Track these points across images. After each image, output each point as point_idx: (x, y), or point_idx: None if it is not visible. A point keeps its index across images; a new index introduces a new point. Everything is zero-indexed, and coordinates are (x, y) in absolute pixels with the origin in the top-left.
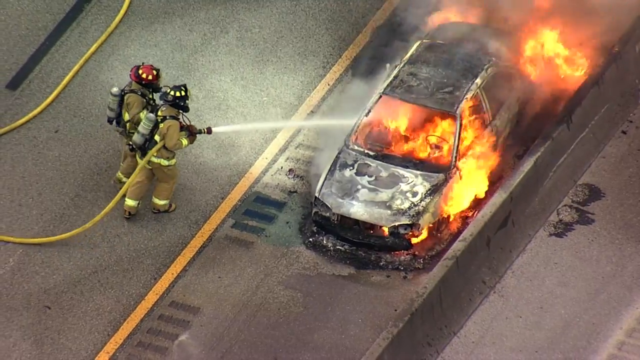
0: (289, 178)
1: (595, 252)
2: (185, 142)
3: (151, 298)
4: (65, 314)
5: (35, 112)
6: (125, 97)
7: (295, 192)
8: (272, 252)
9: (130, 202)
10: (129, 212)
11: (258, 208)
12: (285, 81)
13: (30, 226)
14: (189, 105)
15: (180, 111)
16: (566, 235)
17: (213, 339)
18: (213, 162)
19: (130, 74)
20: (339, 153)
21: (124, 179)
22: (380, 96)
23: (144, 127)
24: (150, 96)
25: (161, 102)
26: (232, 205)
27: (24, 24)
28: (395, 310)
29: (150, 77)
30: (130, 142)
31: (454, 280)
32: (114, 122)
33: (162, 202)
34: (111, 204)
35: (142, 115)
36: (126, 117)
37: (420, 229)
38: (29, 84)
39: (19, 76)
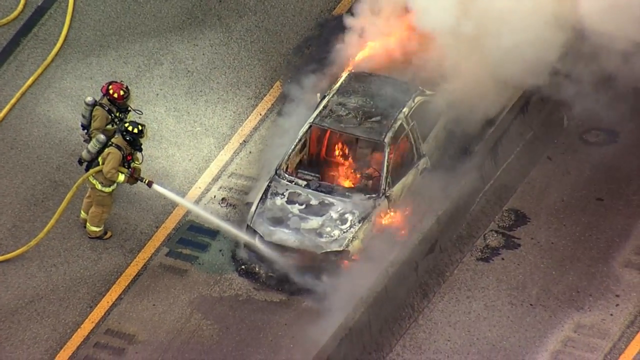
0: (222, 207)
1: (521, 276)
2: (122, 177)
3: (87, 326)
4: (3, 342)
5: None
6: (94, 109)
7: (228, 220)
8: (205, 279)
9: (84, 215)
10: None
11: (192, 236)
12: (218, 111)
13: None
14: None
15: (132, 147)
16: (493, 260)
17: None
18: (148, 192)
19: (101, 88)
20: (270, 182)
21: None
22: (310, 126)
23: (92, 146)
24: (117, 113)
25: (117, 129)
26: (166, 234)
27: None
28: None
29: (115, 95)
30: (80, 156)
31: (383, 305)
32: (86, 130)
33: (93, 229)
34: (51, 222)
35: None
36: (92, 127)
37: (350, 255)
38: None
39: None
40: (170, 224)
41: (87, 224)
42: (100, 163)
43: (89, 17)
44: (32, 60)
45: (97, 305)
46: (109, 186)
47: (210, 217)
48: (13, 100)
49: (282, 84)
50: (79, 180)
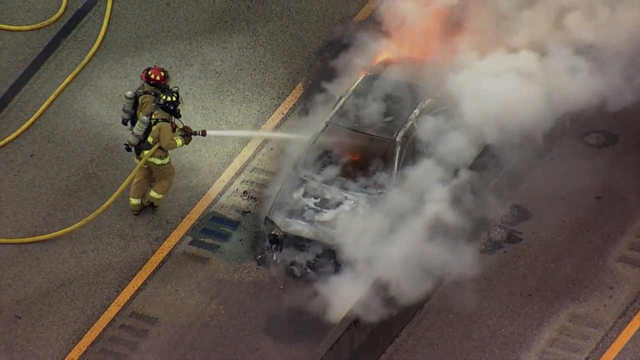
0: (243, 199)
1: (521, 268)
2: (179, 141)
3: (113, 309)
4: (35, 323)
5: (11, 137)
6: (140, 99)
7: (249, 212)
8: (225, 267)
9: (134, 201)
10: (135, 211)
11: (214, 227)
12: (243, 110)
13: None
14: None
15: (174, 116)
16: (495, 253)
17: (169, 346)
18: (174, 185)
19: (141, 76)
20: (288, 176)
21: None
22: (327, 125)
23: (138, 129)
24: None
25: (154, 106)
26: (190, 224)
27: (5, 57)
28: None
29: (158, 78)
30: (126, 142)
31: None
32: (129, 123)
33: (158, 196)
34: (109, 201)
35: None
36: (141, 115)
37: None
38: (8, 112)
39: None
40: (194, 215)
41: (152, 192)
42: (151, 142)
43: (125, 20)
44: (71, 59)
45: (123, 289)
46: (167, 157)
47: (275, 134)
48: (52, 97)
49: (304, 85)
50: (140, 163)
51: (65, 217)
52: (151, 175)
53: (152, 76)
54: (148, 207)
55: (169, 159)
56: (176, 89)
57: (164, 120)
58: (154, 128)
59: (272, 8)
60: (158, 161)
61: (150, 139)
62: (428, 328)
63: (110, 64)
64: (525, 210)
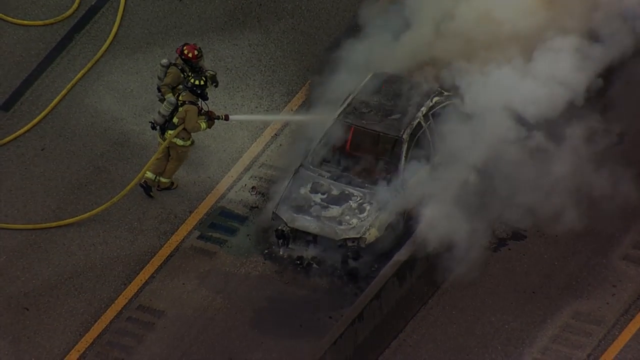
0: (251, 195)
1: (525, 266)
2: (204, 125)
3: (121, 302)
4: (42, 315)
5: (23, 130)
6: (169, 68)
7: (257, 207)
8: (232, 261)
9: (149, 175)
10: (146, 182)
11: (222, 221)
12: (253, 106)
13: (14, 235)
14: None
15: (201, 99)
16: (500, 250)
17: (175, 339)
18: (183, 179)
19: (176, 50)
20: (295, 172)
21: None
22: (335, 122)
23: (164, 109)
24: (189, 73)
25: (182, 87)
26: (198, 219)
27: (18, 52)
28: (341, 315)
29: (190, 55)
30: (152, 120)
31: (394, 289)
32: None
33: (165, 180)
34: (134, 181)
35: (168, 96)
36: (163, 82)
37: (366, 242)
38: (20, 106)
39: (11, 98)
40: (202, 210)
41: (160, 178)
42: (176, 123)
43: (138, 16)
44: (84, 55)
45: (130, 282)
46: (189, 139)
47: (295, 117)
48: (64, 92)
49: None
50: (164, 143)
51: (75, 210)
52: (169, 156)
53: (186, 52)
54: (154, 200)
55: (191, 142)
56: (210, 73)
57: (191, 102)
58: (180, 110)
59: (283, 6)
60: (180, 142)
61: (175, 120)
62: (432, 324)
63: (122, 60)
64: (530, 208)
